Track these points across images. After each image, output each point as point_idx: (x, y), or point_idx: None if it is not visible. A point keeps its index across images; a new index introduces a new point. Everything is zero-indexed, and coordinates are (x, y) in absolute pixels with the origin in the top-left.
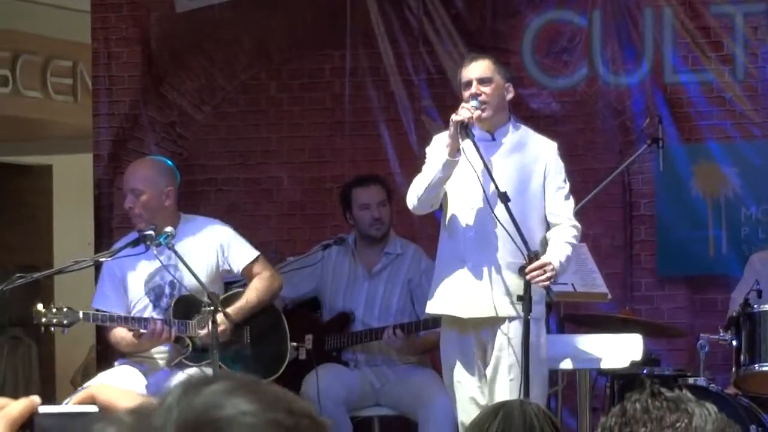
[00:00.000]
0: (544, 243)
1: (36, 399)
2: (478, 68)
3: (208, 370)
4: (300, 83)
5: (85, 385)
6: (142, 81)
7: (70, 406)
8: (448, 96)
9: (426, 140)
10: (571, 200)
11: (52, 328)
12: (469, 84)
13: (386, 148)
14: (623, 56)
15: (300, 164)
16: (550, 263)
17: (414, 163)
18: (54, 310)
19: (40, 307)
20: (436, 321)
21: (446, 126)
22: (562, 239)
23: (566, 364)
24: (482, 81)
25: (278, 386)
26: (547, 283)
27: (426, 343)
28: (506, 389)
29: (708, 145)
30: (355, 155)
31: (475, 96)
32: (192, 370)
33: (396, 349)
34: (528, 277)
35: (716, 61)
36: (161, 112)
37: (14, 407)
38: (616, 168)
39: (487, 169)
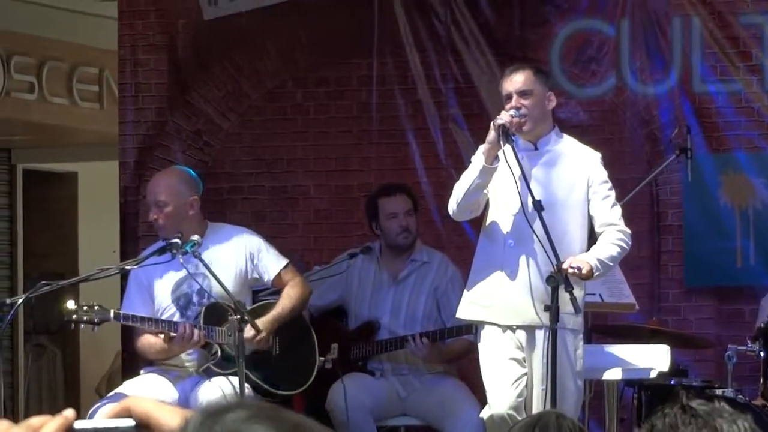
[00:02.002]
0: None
1: (70, 414)
2: (517, 81)
3: (233, 381)
4: (327, 91)
5: (111, 394)
6: (169, 88)
7: (105, 419)
8: (476, 105)
9: (453, 149)
10: (618, 207)
11: (82, 326)
12: (509, 97)
13: (413, 157)
14: (651, 66)
15: (326, 173)
16: (588, 263)
17: (441, 172)
18: (85, 308)
19: (70, 304)
20: (461, 329)
21: (473, 136)
22: (606, 240)
23: (594, 375)
24: (522, 93)
25: (296, 413)
26: (583, 272)
27: (451, 351)
28: (539, 398)
29: (736, 156)
30: (382, 164)
31: (516, 108)
32: (215, 385)
33: (421, 358)
34: (565, 265)
35: (745, 71)
36: (187, 119)
37: (49, 429)
38: (644, 178)
39: (524, 177)
